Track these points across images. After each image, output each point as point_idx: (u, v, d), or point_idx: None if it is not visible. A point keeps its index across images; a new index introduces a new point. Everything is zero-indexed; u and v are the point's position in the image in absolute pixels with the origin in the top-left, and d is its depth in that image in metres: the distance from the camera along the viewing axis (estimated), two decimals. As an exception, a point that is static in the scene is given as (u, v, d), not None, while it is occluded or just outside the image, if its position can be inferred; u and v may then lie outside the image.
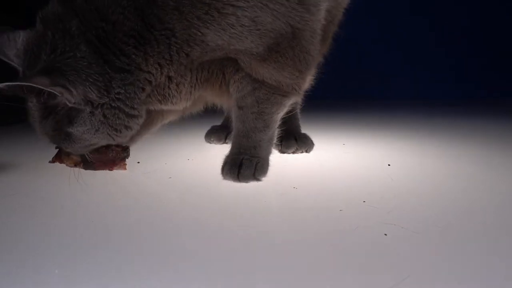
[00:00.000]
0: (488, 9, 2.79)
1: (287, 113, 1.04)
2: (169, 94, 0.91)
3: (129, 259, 0.57)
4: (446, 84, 2.85)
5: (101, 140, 0.89)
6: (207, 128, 1.38)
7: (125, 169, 0.99)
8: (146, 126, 1.00)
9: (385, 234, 0.62)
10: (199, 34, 0.83)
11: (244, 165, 0.90)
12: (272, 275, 0.52)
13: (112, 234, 0.66)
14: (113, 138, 0.89)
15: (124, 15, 0.82)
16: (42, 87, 0.77)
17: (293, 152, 1.19)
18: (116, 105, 0.85)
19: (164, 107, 0.95)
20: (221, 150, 0.95)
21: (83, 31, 0.82)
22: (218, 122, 1.39)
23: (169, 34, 0.83)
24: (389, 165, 1.05)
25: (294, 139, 1.19)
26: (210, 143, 1.35)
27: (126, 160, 1.00)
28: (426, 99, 2.75)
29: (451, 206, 0.76)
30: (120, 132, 0.88)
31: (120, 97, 0.85)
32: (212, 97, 1.03)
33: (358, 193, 0.83)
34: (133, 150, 1.14)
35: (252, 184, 0.89)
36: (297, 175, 1.00)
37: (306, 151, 1.20)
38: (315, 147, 1.23)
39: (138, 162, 1.11)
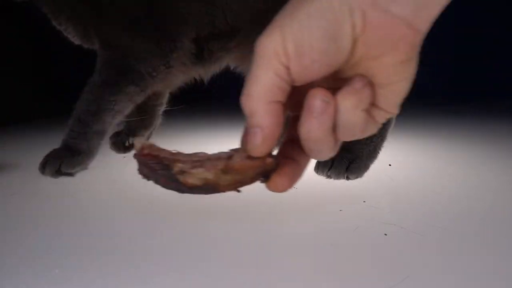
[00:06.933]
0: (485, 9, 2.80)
1: None
2: None
3: (129, 259, 0.57)
4: (445, 83, 2.85)
5: None
6: (206, 128, 1.37)
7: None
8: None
9: (385, 234, 0.62)
10: None
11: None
12: (272, 275, 0.52)
13: (112, 235, 0.66)
14: None
15: None
16: None
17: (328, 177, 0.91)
18: None
19: None
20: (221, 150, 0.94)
21: None
22: (219, 122, 1.39)
23: None
24: (390, 165, 1.05)
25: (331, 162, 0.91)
26: None
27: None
28: (425, 98, 2.75)
29: (451, 206, 0.76)
30: None
31: None
32: None
33: (358, 193, 0.83)
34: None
35: (252, 184, 0.89)
36: (297, 175, 1.00)
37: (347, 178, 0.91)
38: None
39: (138, 162, 1.11)
